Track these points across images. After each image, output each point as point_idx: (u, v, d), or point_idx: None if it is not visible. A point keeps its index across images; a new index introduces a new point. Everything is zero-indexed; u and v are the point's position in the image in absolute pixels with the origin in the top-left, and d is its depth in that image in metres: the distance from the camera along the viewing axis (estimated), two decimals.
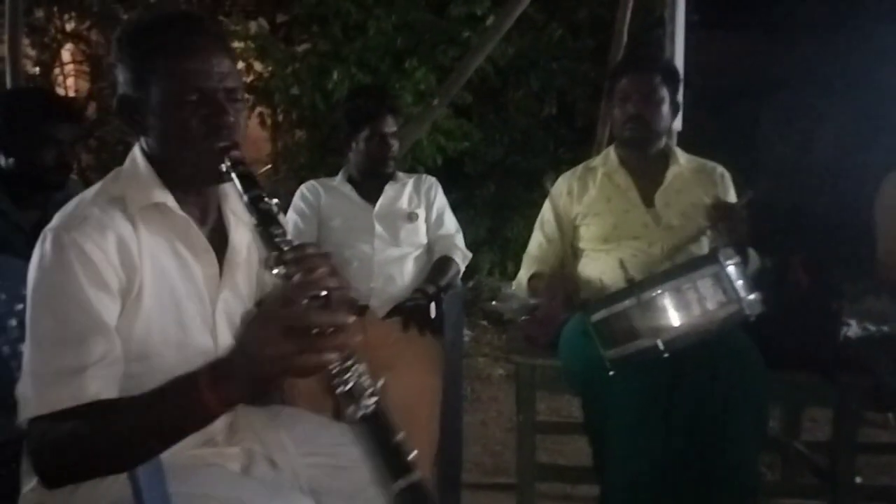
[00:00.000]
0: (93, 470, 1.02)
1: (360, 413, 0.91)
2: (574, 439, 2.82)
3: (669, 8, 3.45)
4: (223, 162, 1.08)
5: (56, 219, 1.09)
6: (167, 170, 1.15)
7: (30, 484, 1.14)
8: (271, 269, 0.97)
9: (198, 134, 1.09)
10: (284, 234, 1.00)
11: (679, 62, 3.25)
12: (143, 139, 1.17)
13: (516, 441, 2.16)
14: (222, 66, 1.12)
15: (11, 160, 2.04)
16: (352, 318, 0.89)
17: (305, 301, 0.88)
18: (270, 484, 1.18)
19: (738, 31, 6.81)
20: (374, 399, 0.93)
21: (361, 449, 1.20)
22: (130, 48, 1.13)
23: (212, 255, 1.20)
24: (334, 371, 0.91)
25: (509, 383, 3.63)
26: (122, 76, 1.14)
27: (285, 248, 0.97)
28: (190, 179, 1.16)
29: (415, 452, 0.93)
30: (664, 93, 2.08)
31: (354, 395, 0.92)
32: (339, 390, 0.91)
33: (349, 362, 0.92)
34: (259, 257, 1.29)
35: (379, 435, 0.93)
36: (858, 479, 2.13)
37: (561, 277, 2.07)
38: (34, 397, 1.01)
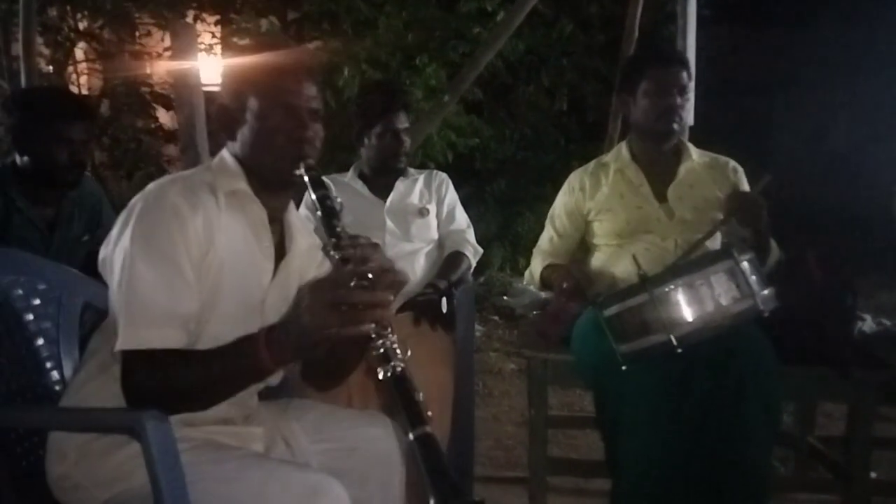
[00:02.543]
0: (174, 405, 1.16)
1: (389, 372, 1.09)
2: (586, 433, 2.82)
3: (680, 3, 3.43)
4: (298, 168, 1.26)
5: (153, 189, 1.24)
6: (249, 171, 1.32)
7: (60, 467, 1.24)
8: (330, 252, 1.18)
9: (280, 142, 1.27)
10: (343, 227, 1.20)
11: (690, 57, 3.23)
12: (231, 143, 1.34)
13: (528, 435, 2.16)
14: (310, 90, 1.31)
15: (26, 158, 2.06)
16: (390, 298, 1.10)
17: (353, 282, 1.08)
18: (293, 463, 1.25)
19: (748, 25, 6.77)
20: (401, 363, 1.10)
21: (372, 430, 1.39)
22: (236, 69, 1.33)
23: (271, 254, 1.35)
24: (371, 338, 1.09)
25: (521, 378, 3.63)
26: (224, 90, 1.34)
27: (343, 237, 1.18)
28: (268, 179, 1.31)
29: (429, 412, 1.10)
30: (691, 86, 2.11)
31: (385, 358, 1.10)
32: (374, 353, 1.10)
33: (384, 332, 1.10)
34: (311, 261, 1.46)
35: (402, 391, 1.09)
36: (873, 474, 2.12)
37: (576, 267, 2.07)
38: (126, 332, 1.15)
